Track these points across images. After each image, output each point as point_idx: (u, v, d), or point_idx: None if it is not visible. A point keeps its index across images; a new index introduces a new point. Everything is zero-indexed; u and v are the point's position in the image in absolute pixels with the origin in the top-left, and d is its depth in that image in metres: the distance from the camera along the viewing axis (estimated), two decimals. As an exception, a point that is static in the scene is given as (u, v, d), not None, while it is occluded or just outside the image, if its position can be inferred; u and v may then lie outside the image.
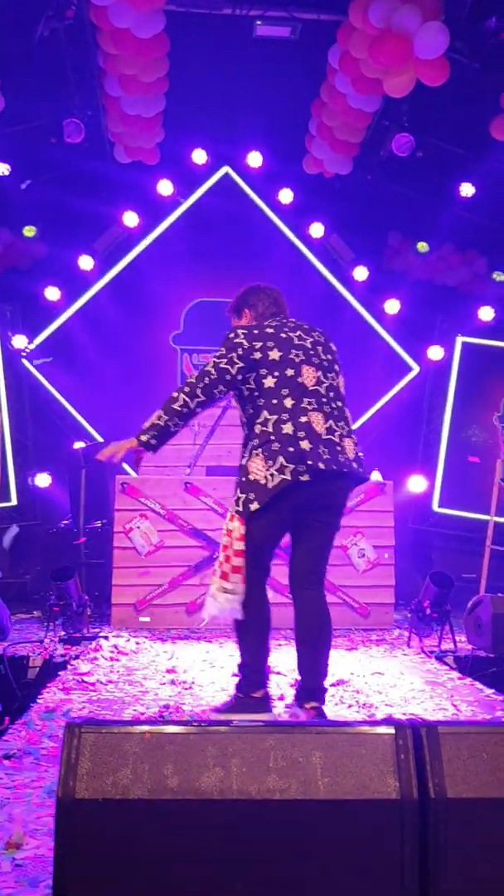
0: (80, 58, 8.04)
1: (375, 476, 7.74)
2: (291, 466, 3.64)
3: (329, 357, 3.98)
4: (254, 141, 9.77)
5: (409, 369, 10.27)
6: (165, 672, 5.14)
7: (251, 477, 3.71)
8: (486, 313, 10.05)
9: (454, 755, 2.05)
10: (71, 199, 9.36)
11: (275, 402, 3.76)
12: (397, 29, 6.98)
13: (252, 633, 3.82)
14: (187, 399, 3.78)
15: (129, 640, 6.14)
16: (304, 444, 3.67)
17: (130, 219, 9.79)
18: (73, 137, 8.72)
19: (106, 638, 6.20)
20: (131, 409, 9.35)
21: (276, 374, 3.80)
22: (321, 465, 3.65)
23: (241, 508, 3.71)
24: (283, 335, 3.90)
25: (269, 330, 3.92)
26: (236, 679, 3.94)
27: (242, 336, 3.88)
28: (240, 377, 3.82)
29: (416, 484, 9.64)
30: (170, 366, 10.09)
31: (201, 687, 4.75)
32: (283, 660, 5.01)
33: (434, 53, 7.03)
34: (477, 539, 8.61)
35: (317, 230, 10.04)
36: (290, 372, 3.80)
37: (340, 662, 5.57)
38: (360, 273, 10.07)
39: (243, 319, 4.15)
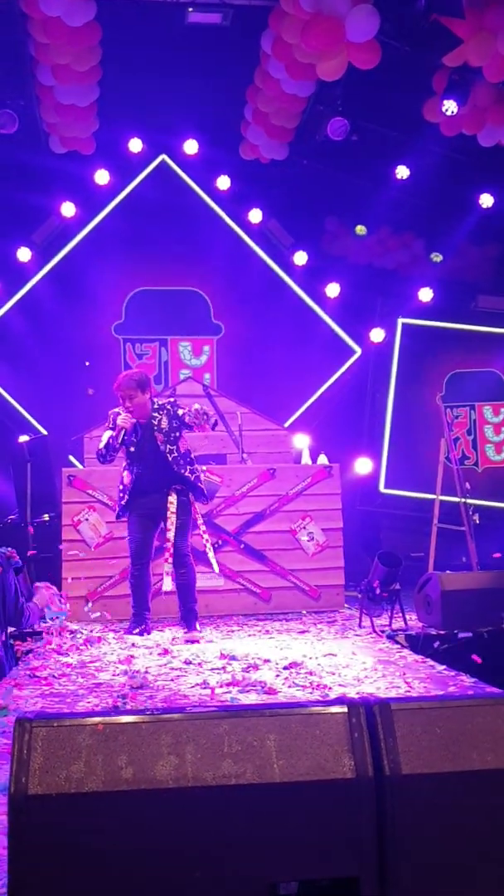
0: (10, 47, 7.90)
1: (322, 460, 7.77)
2: None
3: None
4: (189, 128, 9.71)
5: (352, 352, 10.32)
6: (118, 662, 5.12)
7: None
8: (425, 294, 10.14)
9: (408, 731, 2.06)
10: (6, 191, 9.23)
11: None
12: (328, 12, 6.97)
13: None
14: None
15: (81, 633, 6.10)
16: None
17: (68, 209, 9.67)
18: (7, 128, 8.58)
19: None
20: (74, 401, 9.29)
21: None
22: None
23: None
24: None
25: None
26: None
27: None
28: None
29: (362, 466, 9.70)
30: (113, 356, 9.99)
31: (156, 676, 4.74)
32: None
33: (365, 36, 7.04)
34: (424, 518, 8.70)
35: (255, 216, 10.02)
36: None
37: (293, 645, 5.60)
38: (300, 258, 10.09)
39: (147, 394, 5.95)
